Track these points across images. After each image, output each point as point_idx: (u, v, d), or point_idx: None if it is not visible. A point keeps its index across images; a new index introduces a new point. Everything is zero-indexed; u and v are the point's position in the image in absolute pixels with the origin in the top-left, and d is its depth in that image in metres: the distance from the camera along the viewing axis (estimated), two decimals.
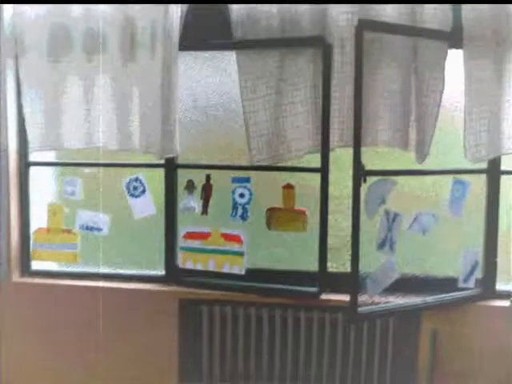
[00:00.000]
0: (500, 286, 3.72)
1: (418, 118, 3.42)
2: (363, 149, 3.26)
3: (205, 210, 3.81)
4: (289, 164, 3.62)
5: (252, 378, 3.81)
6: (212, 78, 3.83)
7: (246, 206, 3.71)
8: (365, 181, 3.29)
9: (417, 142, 3.44)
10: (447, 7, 3.35)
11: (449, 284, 3.67)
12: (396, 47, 3.42)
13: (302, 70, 3.50)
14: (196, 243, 3.83)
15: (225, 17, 3.53)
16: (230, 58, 3.68)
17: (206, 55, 3.82)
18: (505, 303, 3.58)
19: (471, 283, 3.68)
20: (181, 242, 3.86)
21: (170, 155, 3.62)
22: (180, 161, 3.83)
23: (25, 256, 4.06)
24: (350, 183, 3.27)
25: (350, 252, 3.30)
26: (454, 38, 3.36)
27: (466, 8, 3.34)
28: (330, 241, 3.61)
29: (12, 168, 3.92)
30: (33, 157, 4.01)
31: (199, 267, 3.84)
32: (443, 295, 3.63)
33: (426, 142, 3.39)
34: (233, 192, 3.73)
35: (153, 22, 3.53)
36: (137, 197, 3.84)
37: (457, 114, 3.55)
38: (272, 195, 3.74)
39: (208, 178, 3.79)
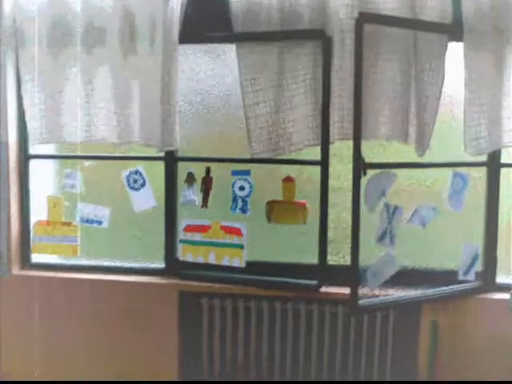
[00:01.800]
0: (500, 279, 3.73)
1: (418, 110, 3.42)
2: (363, 142, 3.26)
3: (205, 203, 3.81)
4: (289, 157, 3.62)
5: (252, 371, 3.81)
6: (212, 71, 3.84)
7: (246, 198, 3.71)
8: (365, 174, 3.29)
9: (417, 135, 3.44)
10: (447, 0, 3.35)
11: (449, 277, 3.67)
12: (396, 40, 3.42)
13: (302, 62, 3.49)
14: (196, 236, 3.83)
15: (225, 9, 3.52)
16: (230, 51, 3.67)
17: (206, 48, 3.82)
18: (505, 296, 3.57)
19: (471, 276, 3.69)
20: (181, 234, 3.86)
21: (170, 148, 3.61)
22: (180, 153, 3.83)
23: (25, 249, 4.07)
24: (350, 176, 3.27)
25: (350, 245, 3.30)
26: (454, 30, 3.36)
27: (466, 0, 3.34)
28: (330, 233, 3.62)
29: (12, 161, 3.93)
30: (33, 149, 4.01)
31: (199, 260, 3.84)
32: (443, 288, 3.63)
33: (426, 135, 3.39)
34: (233, 185, 3.73)
35: (153, 15, 3.53)
36: (137, 189, 3.84)
37: (457, 106, 3.56)
38: (272, 188, 3.75)
39: (208, 170, 3.79)
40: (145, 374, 3.87)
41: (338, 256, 3.88)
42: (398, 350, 3.70)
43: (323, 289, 3.68)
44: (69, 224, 3.96)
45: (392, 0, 3.39)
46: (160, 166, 3.86)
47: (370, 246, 3.49)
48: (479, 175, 3.66)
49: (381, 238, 3.50)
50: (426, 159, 3.46)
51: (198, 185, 3.80)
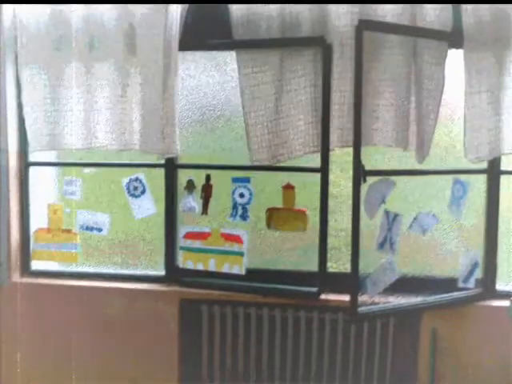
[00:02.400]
0: (500, 286, 3.73)
1: (418, 117, 3.42)
2: (363, 149, 3.26)
3: (205, 210, 3.81)
4: (289, 164, 3.62)
5: (252, 378, 3.81)
6: (212, 79, 3.84)
7: (246, 205, 3.71)
8: (365, 181, 3.29)
9: (417, 142, 3.45)
10: (447, 7, 3.35)
11: (449, 284, 3.67)
12: (396, 47, 3.42)
13: (302, 70, 3.50)
14: (196, 243, 3.82)
15: (225, 17, 3.53)
16: (230, 58, 3.68)
17: (206, 55, 3.82)
18: (505, 303, 3.57)
19: (471, 283, 3.68)
20: (181, 242, 3.86)
21: (171, 155, 3.61)
22: (180, 161, 3.83)
23: (25, 256, 4.06)
24: (349, 183, 3.27)
25: (350, 252, 3.29)
26: (454, 37, 3.36)
27: (465, 8, 3.34)
28: (330, 241, 3.62)
29: (12, 168, 3.92)
30: (33, 157, 4.01)
31: (199, 267, 3.84)
32: (443, 295, 3.63)
33: (426, 142, 3.39)
34: (233, 192, 3.73)
35: (153, 22, 3.53)
36: (137, 197, 3.84)
37: (457, 113, 3.56)
38: (272, 195, 3.75)
39: (208, 177, 3.79)
40: (145, 381, 3.86)
41: (338, 263, 3.88)
42: (397, 358, 3.69)
43: (323, 296, 3.67)
44: (69, 231, 3.96)
45: (392, 7, 3.39)
46: (160, 174, 3.86)
47: (370, 253, 3.49)
48: (479, 182, 3.65)
49: (381, 246, 3.50)
50: (426, 166, 3.46)
51: (198, 192, 3.80)
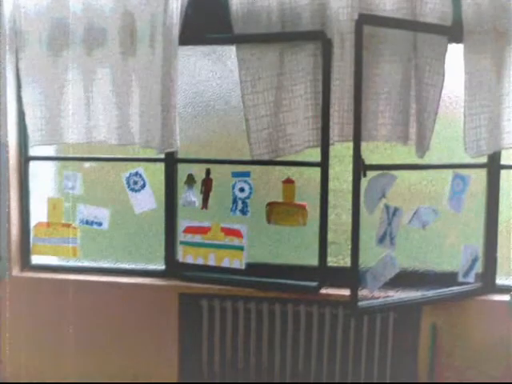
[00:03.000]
0: (500, 281, 3.73)
1: (418, 112, 3.42)
2: (363, 143, 3.26)
3: (205, 205, 3.81)
4: (289, 158, 3.61)
5: (252, 372, 3.81)
6: (212, 73, 3.84)
7: (246, 200, 3.71)
8: (365, 175, 3.29)
9: (417, 137, 3.44)
10: (447, 1, 3.34)
11: (449, 278, 3.67)
12: (396, 41, 3.42)
13: (302, 64, 3.49)
14: (196, 237, 3.82)
15: (225, 11, 3.52)
16: (230, 53, 3.68)
17: (205, 49, 3.82)
18: (505, 298, 3.58)
19: (471, 278, 3.68)
20: (181, 236, 3.86)
21: (170, 149, 3.61)
22: (180, 155, 3.83)
23: (25, 250, 4.07)
24: (350, 177, 3.27)
25: (350, 246, 3.29)
26: (454, 32, 3.36)
27: (466, 2, 3.34)
28: (330, 235, 3.61)
29: (12, 162, 3.92)
30: (33, 151, 4.01)
31: (199, 261, 3.84)
32: (443, 290, 3.63)
33: (426, 137, 3.39)
34: (233, 186, 3.73)
35: (152, 16, 3.52)
36: (137, 191, 3.84)
37: (457, 108, 3.56)
38: (272, 189, 3.76)
39: (208, 172, 3.79)
40: (145, 375, 3.87)
41: (338, 258, 3.87)
42: (398, 352, 3.69)
43: (323, 290, 3.67)
44: (69, 225, 3.96)
45: (392, 2, 3.39)
46: (160, 168, 3.86)
47: (370, 247, 3.49)
48: (479, 176, 3.65)
49: (381, 240, 3.50)
50: (426, 161, 3.46)
51: (197, 186, 3.80)
